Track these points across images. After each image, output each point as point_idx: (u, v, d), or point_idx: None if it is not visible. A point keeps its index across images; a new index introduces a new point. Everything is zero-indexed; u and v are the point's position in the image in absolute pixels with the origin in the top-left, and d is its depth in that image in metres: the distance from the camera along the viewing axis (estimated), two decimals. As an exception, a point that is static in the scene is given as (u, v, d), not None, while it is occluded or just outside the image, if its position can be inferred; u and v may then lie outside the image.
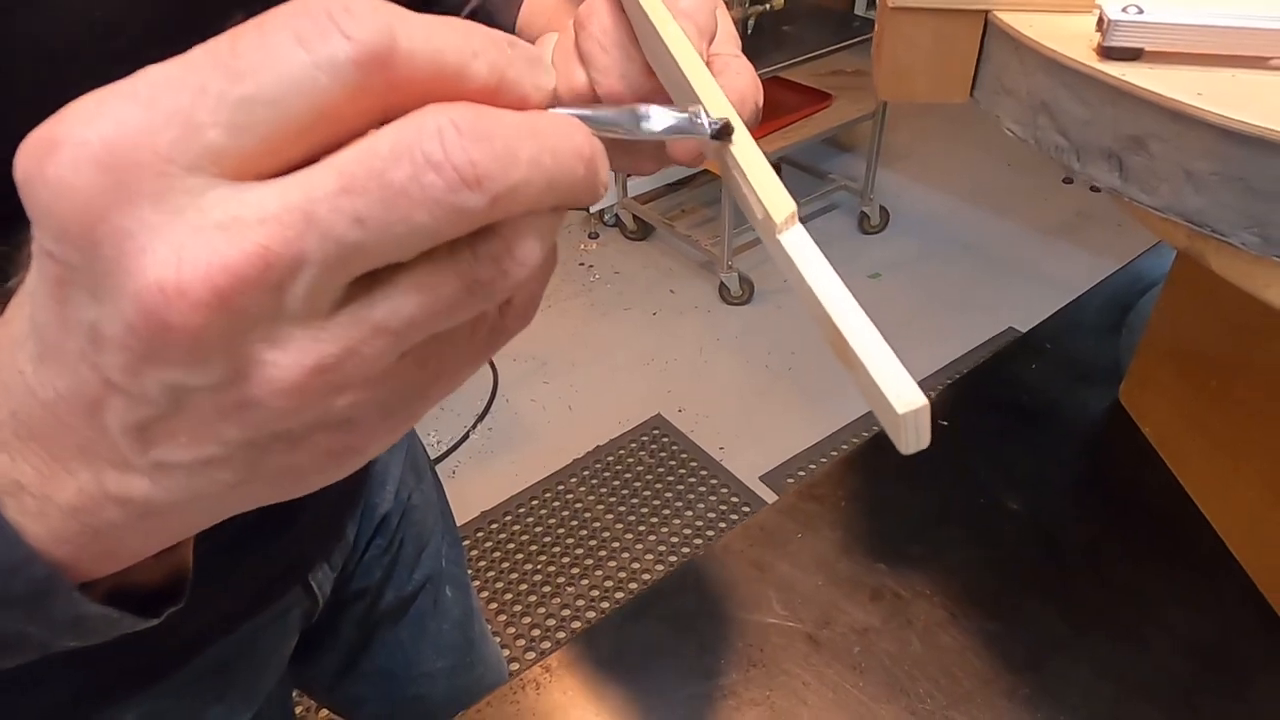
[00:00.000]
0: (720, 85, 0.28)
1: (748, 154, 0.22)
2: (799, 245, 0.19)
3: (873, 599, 0.47)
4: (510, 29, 0.40)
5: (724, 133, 0.22)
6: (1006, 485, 0.53)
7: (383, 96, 0.16)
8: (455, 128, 0.15)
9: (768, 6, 2.00)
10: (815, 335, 2.12)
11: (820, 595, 0.47)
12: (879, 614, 0.46)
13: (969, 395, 0.60)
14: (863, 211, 2.48)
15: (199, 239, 0.14)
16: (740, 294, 2.24)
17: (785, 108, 2.29)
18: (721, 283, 2.24)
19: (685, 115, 0.21)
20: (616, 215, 2.55)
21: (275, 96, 0.15)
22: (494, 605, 1.55)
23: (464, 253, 0.17)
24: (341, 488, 0.51)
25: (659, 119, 0.21)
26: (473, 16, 0.41)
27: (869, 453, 0.56)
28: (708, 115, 0.22)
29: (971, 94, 0.39)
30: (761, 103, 0.30)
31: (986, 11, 0.36)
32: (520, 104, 0.17)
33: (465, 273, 0.17)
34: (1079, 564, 0.48)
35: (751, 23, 2.00)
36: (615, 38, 0.30)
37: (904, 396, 0.17)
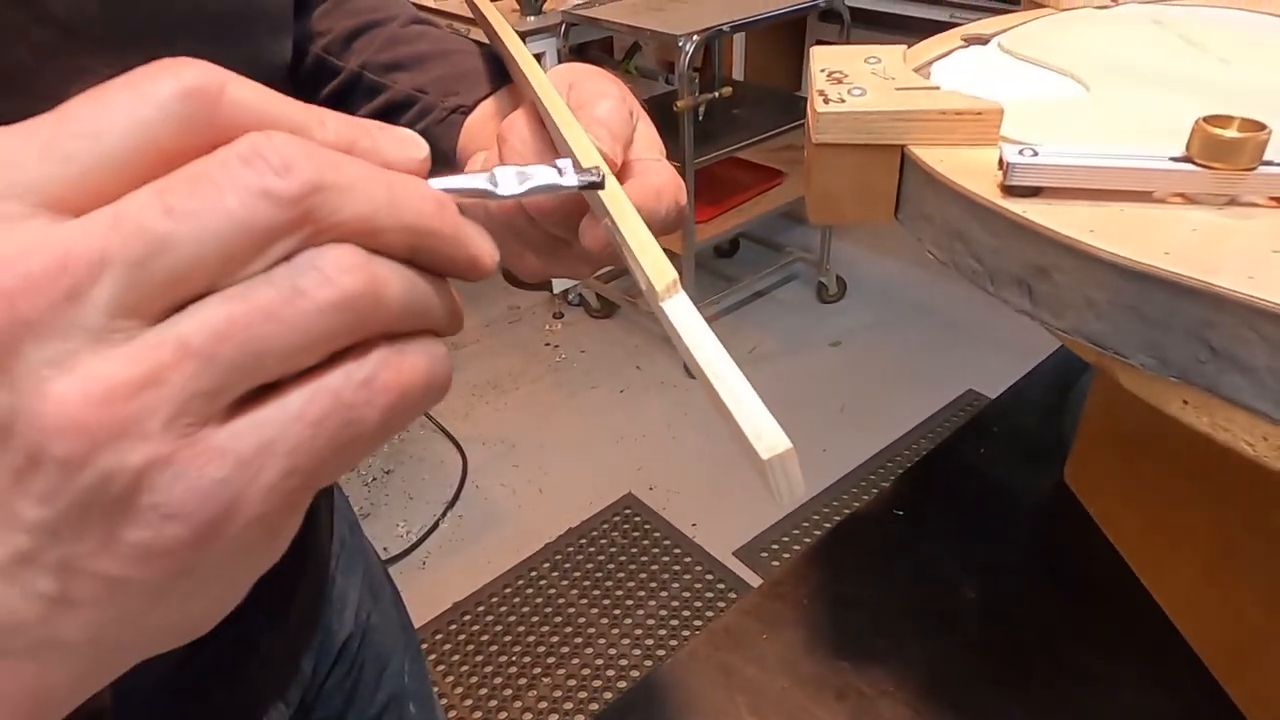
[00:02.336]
0: (638, 183, 0.30)
1: (632, 227, 0.23)
2: (679, 312, 0.21)
3: (838, 699, 0.47)
4: (451, 153, 0.41)
5: (595, 184, 0.22)
6: (963, 573, 0.54)
7: (210, 136, 0.16)
8: (272, 134, 0.15)
9: (717, 95, 2.09)
10: (781, 407, 2.16)
11: (787, 698, 0.47)
12: (844, 714, 0.47)
13: (921, 483, 0.62)
14: (820, 281, 2.55)
15: None
16: (705, 368, 2.26)
17: (741, 186, 2.37)
18: (686, 358, 2.27)
19: (551, 169, 0.22)
20: (580, 294, 2.59)
21: (97, 129, 0.15)
22: (469, 702, 1.51)
23: (279, 270, 0.16)
24: (296, 618, 0.51)
25: (520, 177, 0.21)
26: None
27: (831, 545, 0.58)
28: (576, 167, 0.22)
29: (896, 216, 0.42)
30: (683, 201, 0.32)
31: (903, 145, 0.39)
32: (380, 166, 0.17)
33: (281, 283, 0.15)
34: (1035, 649, 0.50)
35: (703, 109, 2.08)
36: (535, 149, 0.32)
37: (765, 440, 0.17)
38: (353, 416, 0.16)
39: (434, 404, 0.18)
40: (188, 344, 0.15)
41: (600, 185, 0.23)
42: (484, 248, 0.19)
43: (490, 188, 0.21)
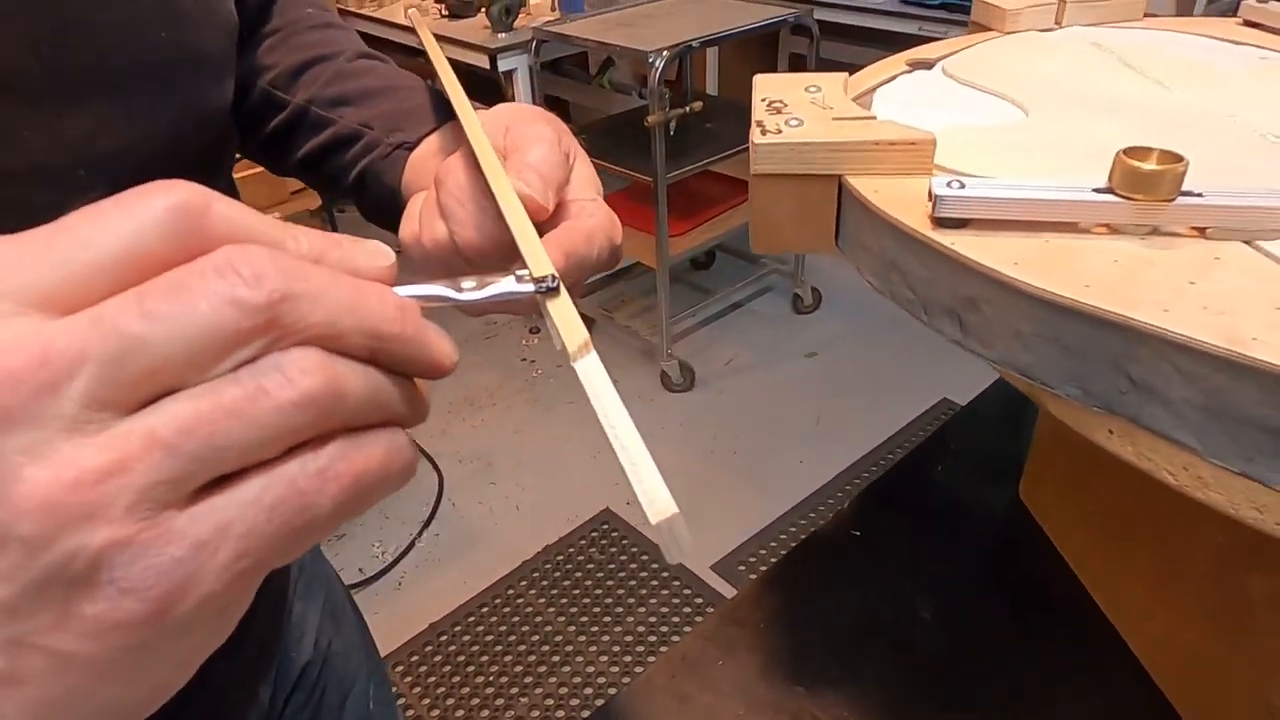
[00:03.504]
0: (570, 226, 0.31)
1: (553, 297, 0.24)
2: (590, 372, 0.22)
3: (793, 724, 0.47)
4: (396, 188, 0.42)
5: (551, 290, 0.24)
6: (918, 593, 0.54)
7: (193, 247, 0.17)
8: (246, 247, 0.17)
9: (688, 109, 2.10)
10: (758, 419, 2.14)
11: (742, 725, 0.47)
12: (800, 740, 0.47)
13: (878, 503, 0.62)
14: (795, 293, 2.56)
15: None
16: (682, 381, 2.27)
17: (714, 199, 2.37)
18: (663, 371, 2.27)
19: (510, 278, 0.24)
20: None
21: (89, 238, 0.16)
22: (445, 724, 1.49)
23: (245, 370, 0.17)
24: (254, 647, 0.50)
25: (480, 283, 0.23)
26: (360, 179, 0.43)
27: (788, 568, 0.58)
28: (531, 275, 0.24)
29: (837, 243, 0.42)
30: (618, 240, 0.33)
31: (839, 175, 0.40)
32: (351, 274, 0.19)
33: (246, 382, 0.16)
34: (988, 670, 0.50)
35: (675, 124, 2.09)
36: (470, 192, 0.32)
37: (656, 505, 0.19)
38: (306, 503, 0.17)
39: (394, 489, 0.19)
40: (155, 436, 0.16)
41: (556, 292, 0.24)
42: (444, 349, 0.20)
43: (453, 294, 0.23)
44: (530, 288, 0.24)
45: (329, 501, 0.18)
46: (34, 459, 0.15)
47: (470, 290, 0.23)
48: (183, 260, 0.17)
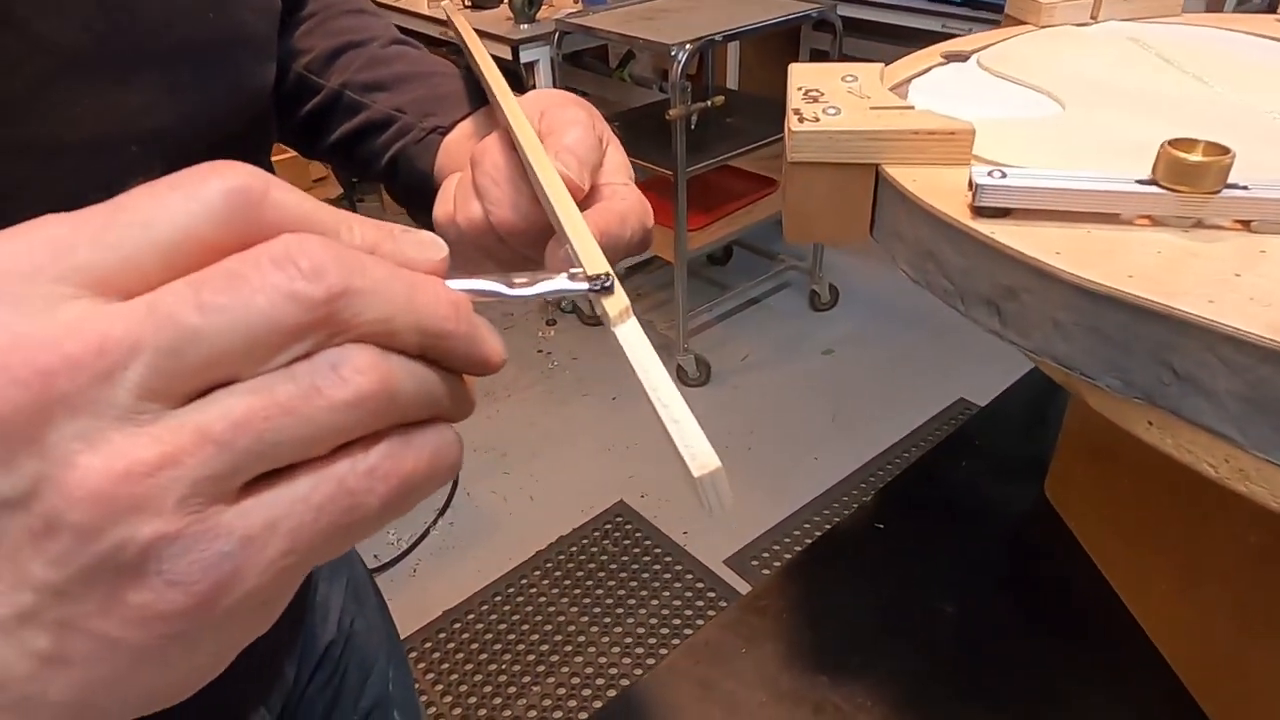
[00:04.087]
0: (604, 208, 0.31)
1: (591, 258, 0.25)
2: (630, 337, 0.22)
3: (815, 713, 0.47)
4: (428, 173, 0.42)
5: (606, 290, 0.24)
6: (941, 588, 0.54)
7: (249, 234, 0.17)
8: (305, 238, 0.17)
9: (710, 104, 2.09)
10: (774, 415, 2.13)
11: (764, 712, 0.47)
12: (822, 729, 0.47)
13: (901, 498, 0.62)
14: (813, 290, 2.55)
15: (36, 323, 0.15)
16: (698, 376, 2.27)
17: (734, 194, 2.37)
18: (679, 365, 2.27)
19: (563, 276, 0.24)
20: (573, 301, 2.59)
21: (147, 220, 0.16)
22: (458, 710, 1.50)
23: (300, 366, 0.17)
24: (280, 625, 0.51)
25: (532, 279, 0.23)
26: (393, 163, 0.44)
27: (811, 560, 0.58)
28: (585, 273, 0.24)
29: (871, 234, 0.42)
30: (650, 225, 0.33)
31: (877, 164, 0.40)
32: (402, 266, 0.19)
33: (301, 379, 0.16)
34: (1012, 666, 0.50)
35: (695, 118, 2.09)
36: (506, 173, 0.33)
37: (699, 459, 0.19)
38: (354, 503, 0.17)
39: (442, 485, 0.19)
40: (207, 430, 0.16)
41: (610, 290, 0.24)
42: (494, 347, 0.20)
43: (504, 289, 0.22)
44: (584, 286, 0.24)
45: (377, 501, 0.18)
46: (88, 447, 0.15)
47: (522, 286, 0.23)
48: (239, 246, 0.16)
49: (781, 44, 2.88)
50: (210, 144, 0.36)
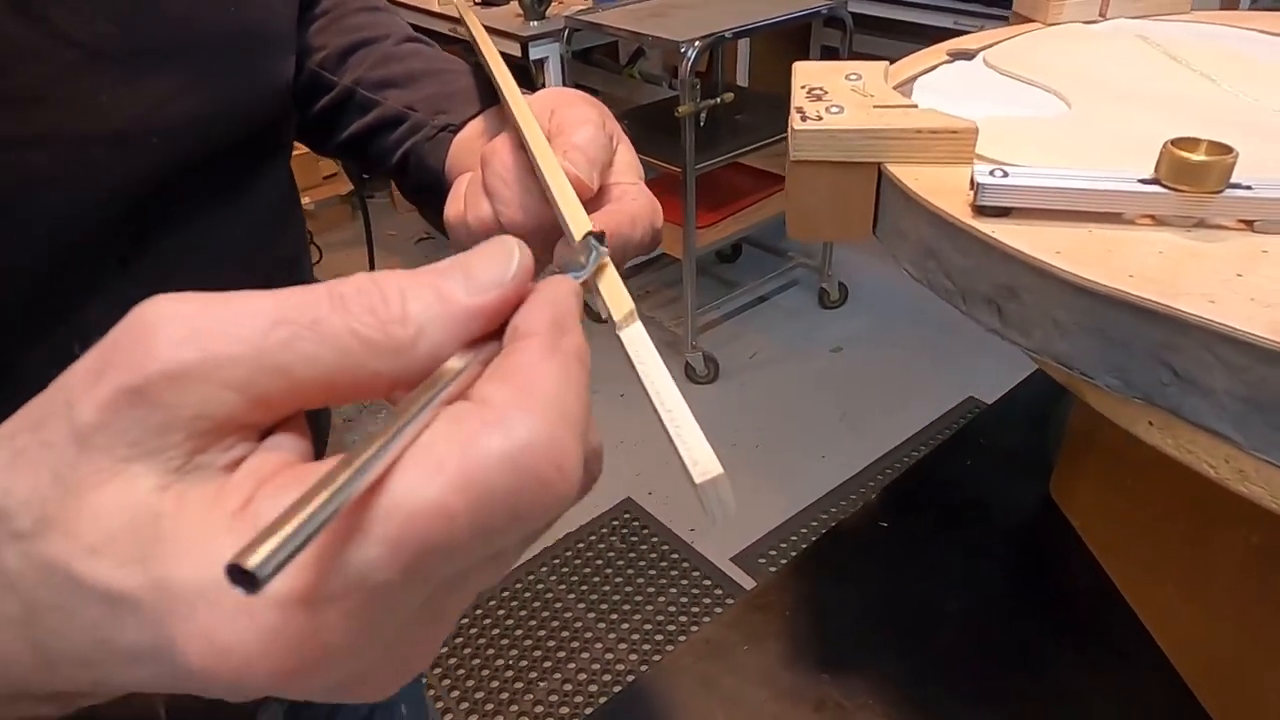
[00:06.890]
0: (615, 209, 0.31)
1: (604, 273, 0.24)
2: (635, 340, 0.22)
3: (816, 710, 0.47)
4: (440, 170, 0.42)
5: (598, 240, 0.24)
6: (944, 586, 0.54)
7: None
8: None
9: (719, 100, 2.09)
10: (782, 412, 2.12)
11: (765, 709, 0.48)
12: (823, 726, 0.47)
13: (906, 496, 0.62)
14: (822, 287, 2.55)
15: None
16: (706, 373, 2.27)
17: (743, 191, 2.37)
18: (687, 362, 2.27)
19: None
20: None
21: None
22: (465, 705, 1.51)
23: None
24: None
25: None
26: (404, 161, 0.44)
27: (815, 557, 0.58)
28: (573, 239, 0.24)
29: (874, 232, 0.42)
30: (660, 224, 0.33)
31: (879, 163, 0.40)
32: None
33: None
34: (1015, 664, 0.50)
35: (705, 115, 2.08)
36: (515, 173, 0.33)
37: (700, 465, 0.19)
38: None
39: None
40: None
41: (601, 240, 0.24)
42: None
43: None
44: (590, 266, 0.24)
45: None
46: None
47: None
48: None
49: (792, 41, 2.86)
50: (231, 137, 0.37)
